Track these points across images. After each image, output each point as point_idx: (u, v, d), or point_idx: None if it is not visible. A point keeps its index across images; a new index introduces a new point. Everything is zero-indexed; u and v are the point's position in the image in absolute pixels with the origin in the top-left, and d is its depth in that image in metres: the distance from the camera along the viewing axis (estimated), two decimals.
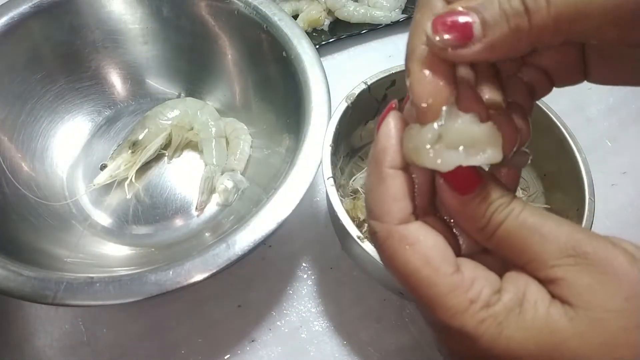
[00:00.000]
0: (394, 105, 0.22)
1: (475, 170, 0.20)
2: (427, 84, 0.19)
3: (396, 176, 0.21)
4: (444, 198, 0.21)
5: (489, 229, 0.20)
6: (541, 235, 0.19)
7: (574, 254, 0.18)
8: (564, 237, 0.19)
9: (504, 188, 0.20)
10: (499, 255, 0.21)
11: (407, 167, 0.21)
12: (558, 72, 0.24)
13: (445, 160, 0.19)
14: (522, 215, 0.20)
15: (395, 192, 0.20)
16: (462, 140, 0.19)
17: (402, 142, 0.21)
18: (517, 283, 0.19)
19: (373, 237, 0.22)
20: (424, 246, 0.20)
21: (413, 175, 0.21)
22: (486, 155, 0.19)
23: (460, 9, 0.18)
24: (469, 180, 0.20)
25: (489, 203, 0.20)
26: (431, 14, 0.19)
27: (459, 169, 0.19)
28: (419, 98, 0.19)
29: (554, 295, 0.19)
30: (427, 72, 0.19)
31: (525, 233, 0.19)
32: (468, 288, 0.19)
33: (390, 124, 0.21)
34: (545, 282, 0.19)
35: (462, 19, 0.18)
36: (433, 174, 0.21)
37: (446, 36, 0.18)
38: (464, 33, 0.18)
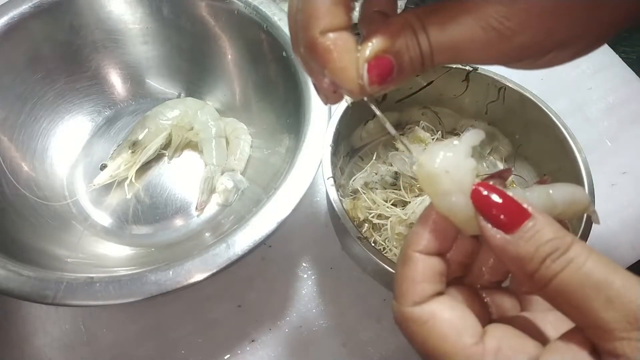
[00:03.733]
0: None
1: (520, 204, 0.19)
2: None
3: (419, 260, 0.21)
4: (487, 238, 0.19)
5: (540, 277, 0.17)
6: (608, 299, 0.16)
7: None
8: (636, 302, 0.16)
9: (560, 227, 0.18)
10: (554, 307, 0.18)
11: (435, 253, 0.21)
12: None
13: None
14: (586, 267, 0.17)
15: (415, 275, 0.20)
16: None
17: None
18: (564, 357, 0.17)
19: (394, 319, 0.21)
20: (440, 322, 0.19)
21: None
22: None
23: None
24: (512, 215, 0.18)
25: (539, 244, 0.18)
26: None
27: (502, 206, 0.18)
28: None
29: None
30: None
31: (589, 292, 0.16)
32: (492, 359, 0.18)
33: (427, 211, 0.21)
34: (606, 355, 0.17)
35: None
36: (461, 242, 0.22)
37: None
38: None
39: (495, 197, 0.19)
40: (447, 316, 0.19)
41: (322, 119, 0.40)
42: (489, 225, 0.19)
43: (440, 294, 0.20)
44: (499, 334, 0.19)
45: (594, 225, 0.36)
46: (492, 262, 0.23)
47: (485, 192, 0.19)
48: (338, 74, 0.20)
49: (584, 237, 0.36)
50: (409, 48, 0.20)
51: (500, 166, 0.47)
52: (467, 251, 0.22)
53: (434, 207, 0.21)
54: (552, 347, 0.18)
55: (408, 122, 0.48)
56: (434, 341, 0.19)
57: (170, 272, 0.33)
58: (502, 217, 0.18)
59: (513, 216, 0.18)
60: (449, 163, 0.20)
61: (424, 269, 0.20)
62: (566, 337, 0.18)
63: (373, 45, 0.20)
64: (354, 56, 0.20)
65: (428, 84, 0.45)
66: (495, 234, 0.18)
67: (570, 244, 0.17)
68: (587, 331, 0.17)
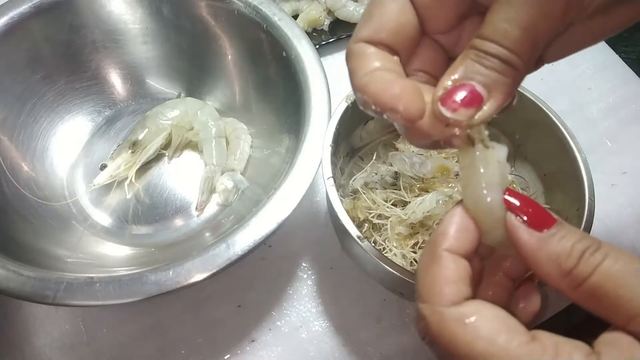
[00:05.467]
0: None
1: (548, 211, 0.19)
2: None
3: (452, 259, 0.19)
4: (519, 238, 0.19)
5: (577, 274, 0.17)
6: None
7: None
8: None
9: (584, 232, 0.19)
10: (588, 309, 0.18)
11: (465, 255, 0.20)
12: None
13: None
14: (622, 260, 0.17)
15: (449, 274, 0.19)
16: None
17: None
18: (620, 346, 0.17)
19: (422, 326, 0.19)
20: (488, 319, 0.18)
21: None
22: None
23: (450, 83, 0.20)
24: (544, 215, 0.18)
25: (574, 240, 0.18)
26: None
27: (534, 206, 0.18)
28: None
29: None
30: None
31: (632, 281, 0.16)
32: (554, 354, 0.17)
33: (457, 211, 0.21)
34: None
35: (464, 90, 0.20)
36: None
37: (459, 102, 0.19)
38: (476, 100, 0.19)
39: (526, 201, 0.19)
40: (494, 313, 0.18)
41: (322, 119, 0.40)
42: (523, 225, 0.19)
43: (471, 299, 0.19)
44: (547, 334, 0.18)
45: (594, 225, 0.36)
46: (497, 279, 0.22)
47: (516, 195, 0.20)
48: None
49: None
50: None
51: None
52: (475, 268, 0.21)
53: (464, 203, 0.21)
54: (605, 340, 0.17)
55: None
56: (484, 340, 0.17)
57: (170, 272, 0.33)
58: (533, 217, 0.19)
59: (543, 218, 0.19)
60: (496, 156, 0.21)
61: (457, 269, 0.19)
62: (613, 330, 0.17)
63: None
64: None
65: None
66: (529, 232, 0.18)
67: (599, 241, 0.18)
68: (631, 325, 0.17)
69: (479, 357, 0.17)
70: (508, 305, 0.22)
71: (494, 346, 0.17)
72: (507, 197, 0.20)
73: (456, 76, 0.20)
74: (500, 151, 0.21)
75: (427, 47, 0.24)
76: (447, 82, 0.20)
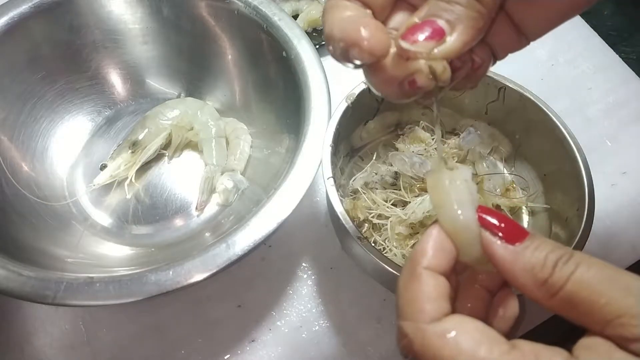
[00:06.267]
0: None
1: (520, 225, 0.20)
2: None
3: (432, 277, 0.20)
4: (494, 253, 0.19)
5: (553, 282, 0.18)
6: (625, 287, 0.17)
7: None
8: None
9: (556, 243, 0.19)
10: (565, 317, 0.18)
11: (441, 272, 0.21)
12: (500, 43, 0.24)
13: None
14: (595, 265, 0.18)
15: (430, 291, 0.19)
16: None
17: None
18: (597, 350, 0.17)
19: (404, 344, 0.19)
20: (468, 332, 0.18)
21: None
22: None
23: (417, 20, 0.21)
24: (516, 229, 0.19)
25: (547, 251, 0.18)
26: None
27: (506, 221, 0.19)
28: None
29: None
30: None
31: (606, 285, 0.17)
32: None
33: (434, 231, 0.21)
34: (632, 342, 0.17)
35: (426, 26, 0.20)
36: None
37: (421, 39, 0.20)
38: (436, 33, 0.20)
39: (498, 217, 0.20)
40: (474, 325, 0.18)
41: (322, 119, 0.40)
42: (497, 240, 0.19)
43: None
44: (527, 342, 0.18)
45: (594, 225, 0.36)
46: (474, 291, 0.23)
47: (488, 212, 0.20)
48: None
49: (584, 236, 0.36)
50: None
51: (500, 166, 0.47)
52: (453, 284, 0.22)
53: (440, 223, 0.21)
54: (583, 345, 0.18)
55: (408, 122, 0.48)
56: (467, 354, 0.17)
57: (170, 272, 0.33)
58: (507, 232, 0.19)
59: (516, 232, 0.19)
60: (463, 176, 0.22)
61: (436, 286, 0.20)
62: (589, 335, 0.18)
63: None
64: None
65: None
66: (504, 247, 0.19)
67: (571, 250, 0.18)
68: (607, 329, 0.17)
69: None
70: (487, 314, 0.23)
71: (476, 358, 0.17)
72: (480, 214, 0.21)
73: (421, 14, 0.21)
74: (465, 172, 0.22)
75: (403, 10, 0.24)
76: (412, 20, 0.21)
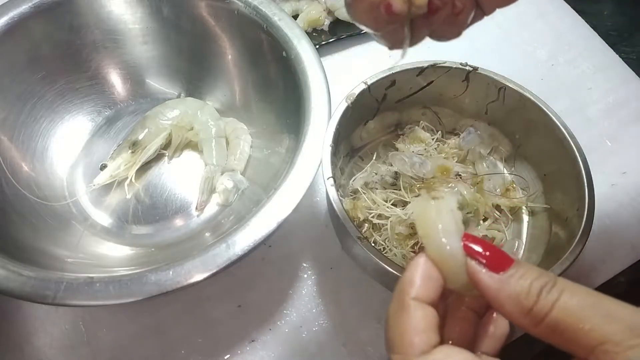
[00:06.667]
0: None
1: (505, 252, 0.20)
2: None
3: (420, 308, 0.20)
4: (480, 281, 0.20)
5: (538, 310, 0.18)
6: (607, 313, 0.17)
7: None
8: (628, 315, 0.17)
9: (541, 269, 0.19)
10: (552, 343, 0.19)
11: (431, 302, 0.21)
12: None
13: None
14: (578, 293, 0.18)
15: (418, 323, 0.20)
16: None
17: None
18: None
19: None
20: None
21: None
22: None
23: None
24: (501, 257, 0.20)
25: (531, 279, 0.19)
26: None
27: (491, 249, 0.19)
28: None
29: None
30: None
31: (589, 312, 0.17)
32: None
33: (421, 260, 0.22)
34: None
35: None
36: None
37: None
38: None
39: (483, 245, 0.21)
40: (462, 357, 0.19)
41: (322, 119, 0.40)
42: (483, 268, 0.20)
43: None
44: None
45: (594, 225, 0.36)
46: (461, 314, 0.23)
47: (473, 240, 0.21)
48: None
49: (584, 236, 0.36)
50: None
51: (500, 166, 0.47)
52: (440, 311, 0.22)
53: (426, 252, 0.22)
54: None
55: (408, 122, 0.49)
56: None
57: (170, 272, 0.33)
58: (492, 261, 0.20)
59: (501, 260, 0.20)
60: (448, 206, 0.22)
61: (425, 317, 0.20)
62: None
63: None
64: None
65: (428, 84, 0.46)
66: (489, 275, 0.19)
67: (555, 277, 0.19)
68: (592, 356, 0.17)
69: None
70: (476, 335, 0.23)
71: None
72: (466, 242, 0.21)
73: None
74: (450, 201, 0.22)
75: None
76: None
